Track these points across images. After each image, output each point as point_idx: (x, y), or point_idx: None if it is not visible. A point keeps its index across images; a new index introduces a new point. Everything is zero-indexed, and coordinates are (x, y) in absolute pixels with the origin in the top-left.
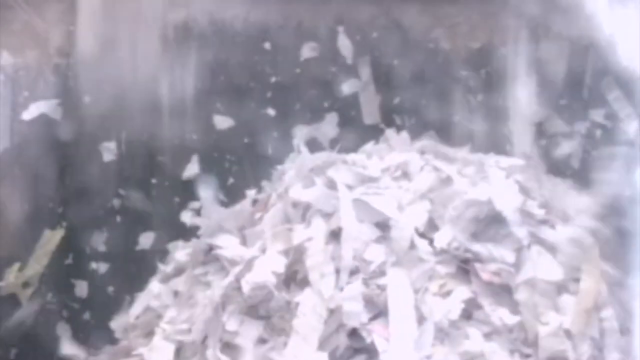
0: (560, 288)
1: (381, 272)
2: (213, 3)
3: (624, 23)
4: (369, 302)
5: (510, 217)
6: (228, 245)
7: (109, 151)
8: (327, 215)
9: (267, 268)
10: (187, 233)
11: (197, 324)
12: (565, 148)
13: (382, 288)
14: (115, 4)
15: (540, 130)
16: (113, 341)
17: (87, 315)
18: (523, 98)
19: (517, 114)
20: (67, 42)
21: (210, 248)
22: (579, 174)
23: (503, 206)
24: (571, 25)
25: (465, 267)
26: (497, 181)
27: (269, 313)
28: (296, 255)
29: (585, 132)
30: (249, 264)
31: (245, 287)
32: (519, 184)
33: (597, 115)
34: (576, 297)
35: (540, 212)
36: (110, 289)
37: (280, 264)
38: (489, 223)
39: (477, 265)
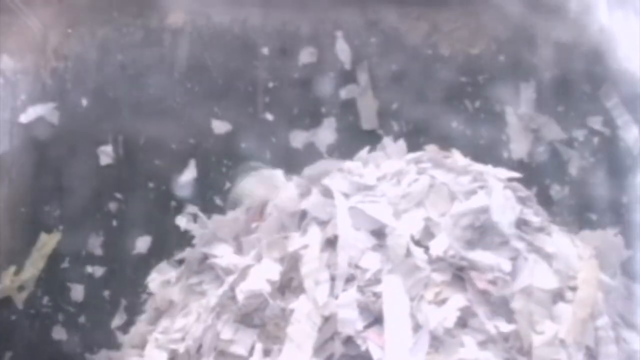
0: (556, 296)
1: (377, 280)
2: (211, 7)
3: (623, 26)
4: (364, 309)
5: (506, 226)
6: (223, 254)
7: (105, 155)
8: (323, 223)
9: (262, 276)
10: (183, 237)
11: (191, 333)
12: (563, 155)
13: (378, 296)
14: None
15: (538, 137)
16: (109, 345)
17: (83, 319)
18: (521, 104)
19: (515, 121)
20: (64, 45)
21: (205, 257)
22: (577, 182)
23: (500, 216)
24: (569, 31)
25: (460, 275)
26: (495, 190)
27: (263, 321)
28: (291, 263)
29: (583, 139)
30: (243, 273)
31: (240, 296)
32: (515, 192)
33: (595, 122)
34: (572, 306)
35: (536, 220)
36: (106, 292)
37: (275, 272)
38: (485, 231)
39: (473, 274)
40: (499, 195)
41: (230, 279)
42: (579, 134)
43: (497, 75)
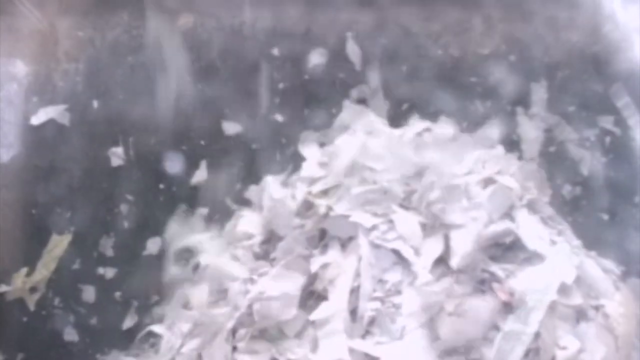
0: (579, 313)
1: (397, 291)
2: (221, 8)
3: (635, 24)
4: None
5: (536, 248)
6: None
7: (116, 156)
8: (343, 241)
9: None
10: None
11: (207, 350)
12: (575, 155)
13: (397, 307)
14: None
15: (549, 137)
16: (121, 346)
17: (94, 321)
18: (532, 105)
19: (526, 121)
20: (75, 48)
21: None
22: (589, 181)
23: (527, 240)
24: (580, 31)
25: (481, 288)
26: (522, 218)
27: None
28: (312, 279)
29: (595, 139)
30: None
31: (257, 315)
32: (538, 214)
33: (606, 122)
34: (616, 343)
35: (560, 240)
36: (118, 294)
37: (295, 287)
38: (509, 247)
39: (495, 285)
40: (524, 220)
41: (246, 302)
42: (591, 134)
43: (507, 75)
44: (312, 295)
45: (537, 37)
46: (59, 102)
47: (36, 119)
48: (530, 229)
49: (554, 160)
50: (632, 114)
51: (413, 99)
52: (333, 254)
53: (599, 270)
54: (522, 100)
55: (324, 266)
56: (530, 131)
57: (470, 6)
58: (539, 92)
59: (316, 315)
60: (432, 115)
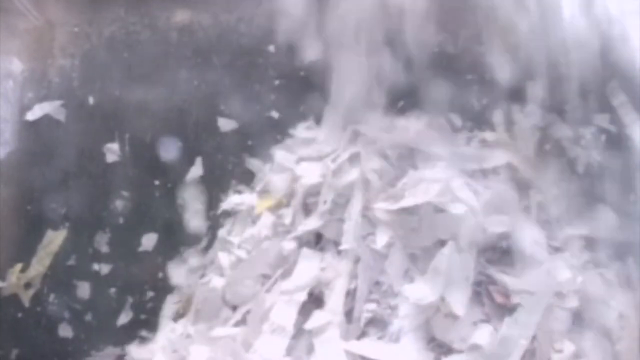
0: (576, 316)
1: (393, 293)
2: (217, 5)
3: (631, 22)
4: (379, 321)
5: (533, 252)
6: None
7: (112, 152)
8: (339, 244)
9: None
10: (189, 235)
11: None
12: (570, 153)
13: (393, 307)
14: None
15: (545, 135)
16: (115, 342)
17: (89, 317)
18: (528, 102)
19: (522, 119)
20: (71, 44)
21: None
22: (584, 179)
23: (523, 243)
24: (576, 28)
25: (478, 290)
26: (519, 220)
27: None
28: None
29: (590, 137)
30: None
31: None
32: (538, 217)
33: (602, 120)
34: (613, 347)
35: (556, 243)
36: (113, 290)
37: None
38: (506, 251)
39: (491, 287)
40: (521, 223)
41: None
42: (586, 132)
43: (503, 73)
44: (309, 298)
45: (534, 34)
46: (55, 98)
47: (32, 115)
48: (528, 233)
49: (549, 158)
50: (628, 112)
51: (408, 96)
52: (329, 257)
53: (596, 272)
54: (518, 98)
55: (320, 269)
56: (526, 129)
57: (468, 3)
58: (535, 90)
59: (311, 324)
60: (428, 112)
